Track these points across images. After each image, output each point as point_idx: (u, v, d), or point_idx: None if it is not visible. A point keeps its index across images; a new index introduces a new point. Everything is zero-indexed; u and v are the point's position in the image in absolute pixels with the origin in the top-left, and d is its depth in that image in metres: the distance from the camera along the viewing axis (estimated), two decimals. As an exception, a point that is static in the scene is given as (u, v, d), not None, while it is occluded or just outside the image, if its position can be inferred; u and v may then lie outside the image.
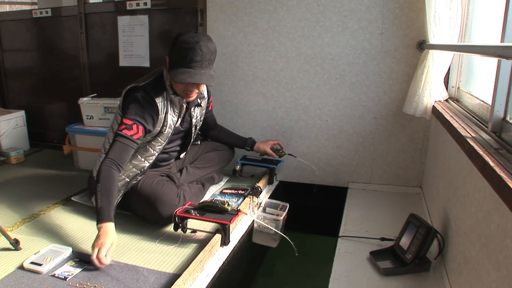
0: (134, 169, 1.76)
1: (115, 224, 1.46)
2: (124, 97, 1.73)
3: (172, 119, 1.75)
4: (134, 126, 1.60)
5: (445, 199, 1.52)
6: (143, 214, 1.76)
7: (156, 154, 1.80)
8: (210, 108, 2.08)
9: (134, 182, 1.77)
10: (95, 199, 1.50)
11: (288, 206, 1.93)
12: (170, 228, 1.67)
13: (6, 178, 2.35)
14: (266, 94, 2.36)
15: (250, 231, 1.84)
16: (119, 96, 1.78)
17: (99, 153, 1.87)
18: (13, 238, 1.51)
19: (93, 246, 1.38)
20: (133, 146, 1.62)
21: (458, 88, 1.96)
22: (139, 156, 1.76)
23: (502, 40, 1.12)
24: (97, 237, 1.40)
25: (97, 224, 1.43)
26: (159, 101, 1.69)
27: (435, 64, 1.82)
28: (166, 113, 1.72)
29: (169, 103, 1.73)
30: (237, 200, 1.96)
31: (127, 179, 1.76)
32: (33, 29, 2.95)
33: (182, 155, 2.03)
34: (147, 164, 1.79)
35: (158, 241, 1.59)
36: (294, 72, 2.27)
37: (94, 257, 1.36)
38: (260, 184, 2.14)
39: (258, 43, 2.30)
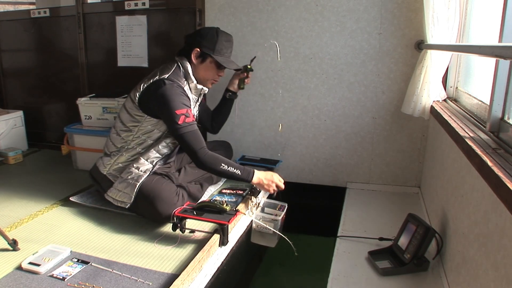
0: (157, 154, 1.80)
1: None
2: (153, 91, 1.73)
3: (192, 106, 1.85)
4: (189, 111, 1.71)
5: (444, 199, 1.53)
6: (142, 212, 1.76)
7: None
8: (204, 101, 2.15)
9: (156, 167, 1.81)
10: (234, 173, 1.73)
11: (286, 206, 1.93)
12: (168, 228, 1.67)
13: (4, 179, 2.34)
14: (264, 94, 2.36)
15: (249, 231, 1.84)
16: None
17: (102, 154, 1.89)
18: (11, 238, 1.51)
19: (268, 186, 1.82)
20: (197, 128, 1.74)
21: (456, 88, 1.97)
22: (163, 142, 1.80)
23: (500, 40, 1.13)
24: (266, 181, 1.81)
25: (251, 180, 1.78)
26: (186, 89, 1.79)
27: (434, 64, 1.82)
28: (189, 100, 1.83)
29: (189, 91, 1.84)
30: (236, 200, 1.96)
31: (151, 164, 1.79)
32: (31, 29, 2.94)
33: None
34: (167, 151, 1.83)
35: (157, 242, 1.59)
36: (293, 72, 2.27)
37: (281, 186, 1.87)
38: (259, 184, 2.13)
39: (256, 43, 2.30)
